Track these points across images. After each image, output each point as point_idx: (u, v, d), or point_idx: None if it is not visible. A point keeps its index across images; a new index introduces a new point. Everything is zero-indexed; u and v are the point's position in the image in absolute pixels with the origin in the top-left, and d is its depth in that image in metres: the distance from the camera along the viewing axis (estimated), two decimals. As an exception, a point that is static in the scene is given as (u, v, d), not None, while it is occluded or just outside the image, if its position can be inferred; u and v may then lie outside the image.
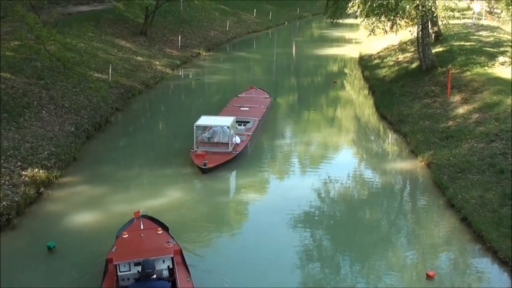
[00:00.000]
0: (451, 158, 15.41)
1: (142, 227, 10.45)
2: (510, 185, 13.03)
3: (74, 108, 19.41)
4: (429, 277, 10.47)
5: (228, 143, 16.41)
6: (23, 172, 14.01)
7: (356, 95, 27.45)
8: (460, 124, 17.62)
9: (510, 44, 27.08)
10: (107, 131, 19.58)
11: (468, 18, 36.51)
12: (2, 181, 13.26)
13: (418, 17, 21.73)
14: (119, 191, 14.44)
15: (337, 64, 36.75)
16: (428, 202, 14.12)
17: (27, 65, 21.17)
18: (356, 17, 26.91)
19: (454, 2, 22.32)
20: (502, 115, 16.98)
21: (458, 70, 22.39)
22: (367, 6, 22.45)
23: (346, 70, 34.16)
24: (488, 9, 38.37)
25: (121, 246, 9.81)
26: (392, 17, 22.57)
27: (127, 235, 10.15)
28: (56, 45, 18.35)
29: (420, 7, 20.65)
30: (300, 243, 11.99)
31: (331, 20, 31.65)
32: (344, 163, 17.26)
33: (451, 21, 24.25)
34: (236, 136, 17.04)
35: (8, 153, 14.66)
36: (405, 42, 31.23)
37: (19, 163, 14.38)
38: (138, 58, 29.50)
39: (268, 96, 23.14)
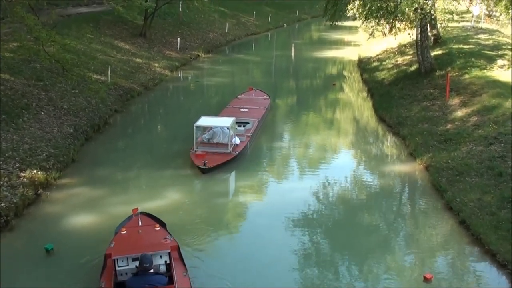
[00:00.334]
0: (449, 161, 15.42)
1: (140, 223, 10.64)
2: (508, 188, 13.04)
3: (73, 109, 19.40)
4: (426, 279, 10.46)
5: (227, 144, 16.46)
6: (22, 174, 13.99)
7: (355, 97, 27.47)
8: (459, 127, 17.63)
9: (509, 47, 27.13)
10: (105, 133, 19.57)
11: (467, 21, 36.55)
12: (1, 183, 13.24)
13: (417, 20, 21.76)
14: (117, 193, 14.43)
15: (336, 66, 36.77)
16: (427, 205, 14.12)
17: (26, 66, 21.17)
18: (354, 19, 26.95)
19: (453, 5, 22.35)
20: (501, 118, 17.01)
21: (457, 73, 22.41)
22: (366, 9, 22.49)
23: (345, 73, 34.18)
24: (487, 12, 38.38)
25: (119, 242, 9.98)
26: (391, 20, 22.61)
27: (125, 231, 10.32)
28: (55, 46, 18.35)
29: (419, 10, 20.69)
30: (298, 245, 11.97)
31: (330, 23, 31.68)
32: (343, 166, 17.27)
33: (450, 24, 24.35)
34: (236, 137, 17.10)
35: (6, 154, 14.64)
36: (404, 45, 31.26)
37: (17, 165, 14.37)
38: (137, 60, 29.50)
39: (268, 97, 23.18)
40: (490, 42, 29.34)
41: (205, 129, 17.26)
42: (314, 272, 11.10)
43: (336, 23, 31.88)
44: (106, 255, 9.76)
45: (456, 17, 25.78)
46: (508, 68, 22.80)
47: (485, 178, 13.96)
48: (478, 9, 33.68)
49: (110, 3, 30.60)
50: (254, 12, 52.66)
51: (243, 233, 12.83)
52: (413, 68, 25.60)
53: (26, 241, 11.96)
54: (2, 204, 12.44)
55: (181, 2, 37.86)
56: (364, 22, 23.90)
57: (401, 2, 20.07)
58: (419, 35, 23.25)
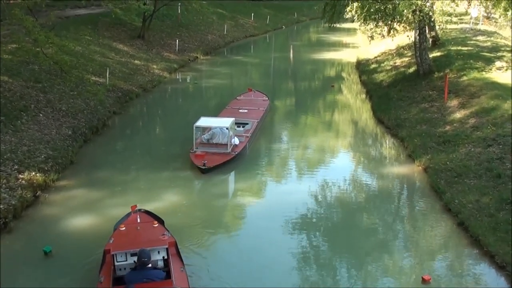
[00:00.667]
0: (448, 163, 15.43)
1: (139, 220, 10.82)
2: (507, 190, 13.06)
3: (72, 111, 19.39)
4: (424, 281, 10.47)
5: (227, 144, 16.52)
6: (20, 175, 13.98)
7: (353, 99, 27.48)
8: (457, 128, 17.66)
9: (508, 49, 27.18)
10: (104, 135, 19.55)
11: (466, 23, 36.60)
12: (-1, 184, 13.24)
13: (416, 21, 21.79)
14: (116, 195, 14.41)
15: (334, 68, 36.79)
16: (425, 206, 14.12)
17: (24, 68, 21.15)
18: (353, 21, 26.96)
19: (451, 7, 22.39)
20: (499, 120, 17.04)
21: (456, 75, 22.45)
22: (364, 11, 22.52)
23: (343, 75, 34.20)
24: (486, 14, 38.45)
25: (118, 238, 10.16)
26: (390, 22, 22.63)
27: (124, 228, 10.48)
28: (54, 48, 18.35)
29: (417, 12, 20.71)
30: (297, 246, 11.98)
31: (329, 25, 31.66)
32: (341, 167, 17.29)
33: (448, 26, 24.32)
34: (235, 137, 17.17)
35: (5, 156, 14.62)
36: (403, 47, 31.30)
37: (16, 166, 14.35)
38: (136, 61, 29.49)
39: (267, 98, 23.22)
40: (489, 44, 29.42)
41: (204, 129, 17.36)
42: (313, 274, 11.10)
43: (335, 25, 31.84)
44: (105, 250, 9.94)
45: (454, 19, 25.80)
46: (507, 69, 22.85)
47: (484, 179, 13.98)
48: (476, 11, 33.70)
49: (108, 5, 30.64)
50: (253, 14, 52.72)
51: (242, 234, 12.82)
52: (411, 70, 25.63)
53: (25, 243, 11.94)
54: (1, 206, 12.42)
55: (179, 4, 37.86)
56: (363, 24, 23.92)
57: (399, 4, 20.10)
58: (418, 37, 23.28)
